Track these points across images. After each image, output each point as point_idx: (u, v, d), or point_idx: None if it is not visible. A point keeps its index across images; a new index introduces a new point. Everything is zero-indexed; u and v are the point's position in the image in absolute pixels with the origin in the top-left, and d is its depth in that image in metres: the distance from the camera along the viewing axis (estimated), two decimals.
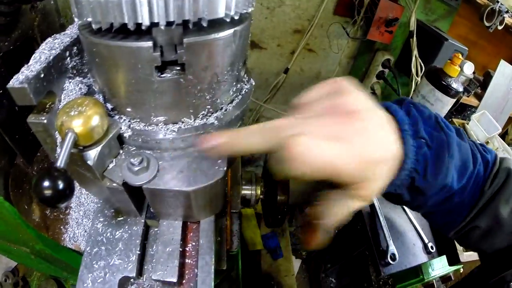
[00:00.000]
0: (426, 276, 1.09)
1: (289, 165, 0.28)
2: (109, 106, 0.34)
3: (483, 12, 1.13)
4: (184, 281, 0.38)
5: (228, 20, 0.28)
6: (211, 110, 0.34)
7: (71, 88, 0.38)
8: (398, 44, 1.40)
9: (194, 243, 0.40)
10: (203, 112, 0.34)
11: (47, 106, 0.36)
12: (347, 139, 0.30)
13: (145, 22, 0.24)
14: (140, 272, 0.38)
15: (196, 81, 0.31)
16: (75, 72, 0.41)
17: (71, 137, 0.28)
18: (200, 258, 0.37)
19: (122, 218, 0.40)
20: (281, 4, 1.34)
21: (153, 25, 0.25)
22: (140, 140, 0.33)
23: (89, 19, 0.26)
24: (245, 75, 0.40)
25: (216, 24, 0.29)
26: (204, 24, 0.27)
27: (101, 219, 0.41)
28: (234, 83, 0.36)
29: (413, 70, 1.29)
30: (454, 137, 0.37)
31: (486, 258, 0.46)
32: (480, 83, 1.40)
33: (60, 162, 0.26)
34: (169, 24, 0.25)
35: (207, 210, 0.38)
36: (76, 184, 0.54)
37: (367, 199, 0.34)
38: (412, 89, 1.34)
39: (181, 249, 0.37)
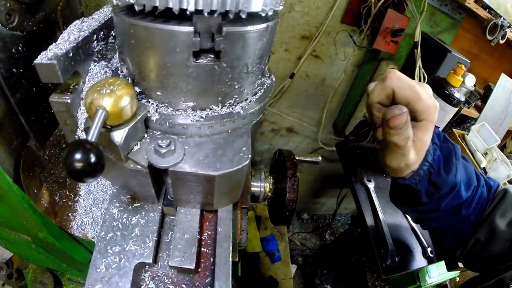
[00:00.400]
0: (423, 283, 1.10)
1: (389, 80, 0.37)
2: (138, 89, 0.34)
3: (486, 26, 1.16)
4: (200, 269, 0.37)
5: (263, 14, 0.29)
6: (237, 100, 0.35)
7: (97, 71, 0.39)
8: (403, 54, 1.43)
9: (210, 232, 0.40)
10: (230, 101, 0.35)
11: (71, 86, 0.36)
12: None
13: (190, 8, 0.25)
14: (155, 259, 0.38)
15: (229, 70, 0.31)
16: (99, 56, 0.41)
17: (101, 114, 0.28)
18: (218, 245, 0.37)
19: (138, 204, 0.40)
20: (291, 10, 1.36)
21: (197, 12, 0.26)
22: (167, 124, 0.34)
23: (132, 1, 0.26)
24: (267, 71, 0.41)
25: (250, 18, 0.30)
26: (243, 16, 0.28)
27: (117, 205, 0.40)
28: (260, 76, 0.37)
29: (416, 80, 1.31)
30: (458, 149, 0.46)
31: (485, 265, 0.50)
32: (481, 96, 1.43)
33: (92, 136, 0.26)
34: (210, 13, 0.26)
35: (226, 198, 0.38)
36: None
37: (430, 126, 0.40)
38: None
39: (198, 237, 0.37)
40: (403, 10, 1.26)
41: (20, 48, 0.42)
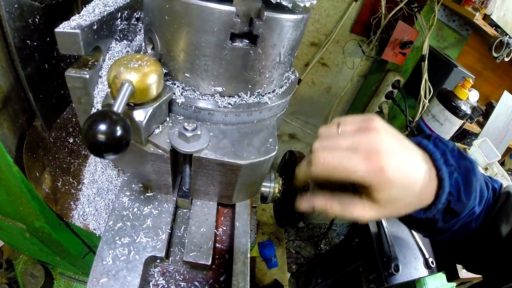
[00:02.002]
0: None
1: (311, 168, 0.34)
2: (164, 70, 0.32)
3: (492, 43, 1.18)
4: (214, 266, 0.35)
5: (304, 4, 0.29)
6: (266, 89, 0.34)
7: (118, 50, 0.37)
8: (409, 66, 1.44)
9: (225, 228, 0.38)
10: (259, 90, 0.33)
11: (90, 62, 0.34)
12: (360, 148, 0.35)
13: None
14: (167, 253, 0.36)
15: (263, 57, 0.30)
16: (121, 36, 0.39)
17: (128, 87, 0.26)
18: (236, 240, 0.34)
19: (151, 194, 0.38)
20: None
21: None
22: (192, 108, 0.32)
23: None
24: (292, 66, 0.40)
25: (287, 8, 0.30)
26: (286, 3, 0.27)
27: (128, 193, 0.38)
28: (288, 69, 0.36)
29: (422, 93, 1.32)
30: (475, 164, 0.42)
31: (488, 274, 0.49)
32: (483, 112, 1.44)
33: (118, 107, 0.24)
34: None
35: (246, 192, 0.36)
36: (91, 159, 0.51)
37: (378, 203, 0.36)
38: (419, 112, 1.37)
39: (215, 231, 0.35)
40: (412, 23, 1.28)
41: (37, 20, 0.40)
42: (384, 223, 0.97)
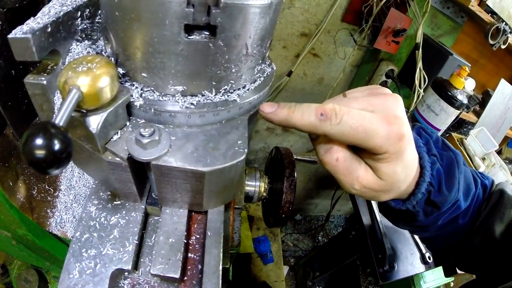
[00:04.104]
0: None
1: (325, 125, 0.30)
2: (121, 71, 0.30)
3: (488, 30, 1.15)
4: (186, 278, 0.33)
5: None
6: (234, 86, 0.31)
7: (78, 51, 0.34)
8: (403, 55, 1.41)
9: (198, 236, 0.36)
10: (226, 87, 0.30)
11: (49, 67, 0.31)
12: (378, 110, 0.32)
13: None
14: (136, 265, 0.34)
15: (225, 49, 0.27)
16: (83, 36, 0.37)
17: (75, 94, 0.24)
18: (207, 252, 0.32)
19: (119, 202, 0.36)
20: (290, 6, 1.33)
21: None
22: (152, 111, 0.29)
23: None
24: (268, 58, 0.37)
25: None
26: None
27: (95, 202, 0.36)
28: (260, 62, 0.33)
29: (417, 82, 1.29)
30: (460, 156, 0.40)
31: (481, 273, 0.48)
32: (479, 101, 1.42)
33: (60, 120, 0.22)
34: None
35: (218, 198, 0.34)
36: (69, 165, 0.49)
37: (380, 174, 0.34)
38: (414, 101, 1.34)
39: (185, 241, 0.33)
40: (405, 10, 1.24)
41: None
42: (378, 217, 0.95)
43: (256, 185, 0.60)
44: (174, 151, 0.29)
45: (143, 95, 0.30)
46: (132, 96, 0.29)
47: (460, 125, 1.50)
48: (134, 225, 0.34)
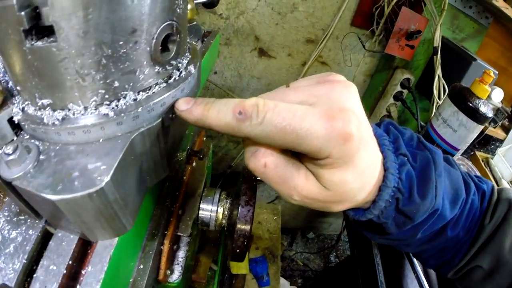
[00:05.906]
0: None
1: (244, 125, 0.24)
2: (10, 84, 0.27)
3: None
4: None
5: None
6: (106, 96, 0.25)
7: None
8: (421, 63, 1.26)
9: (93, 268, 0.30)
10: (95, 98, 0.24)
11: None
12: (320, 103, 0.25)
13: None
14: (23, 285, 0.29)
15: (73, 52, 0.22)
16: None
17: None
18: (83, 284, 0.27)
19: (23, 217, 0.32)
20: (294, 10, 1.26)
21: None
22: (26, 127, 0.26)
23: None
24: (182, 58, 0.30)
25: None
26: None
27: (6, 213, 0.33)
28: (151, 63, 0.26)
29: (435, 92, 1.14)
30: (440, 155, 0.33)
31: None
32: (508, 115, 1.21)
33: None
34: None
35: (103, 229, 0.28)
36: None
37: (325, 183, 0.27)
38: (433, 115, 1.18)
39: (64, 271, 0.28)
40: (420, 10, 1.11)
41: None
42: (375, 250, 0.82)
43: (213, 210, 0.53)
44: (35, 172, 0.24)
45: (25, 109, 0.26)
46: (12, 110, 0.26)
47: (486, 142, 1.30)
48: (28, 244, 0.30)
